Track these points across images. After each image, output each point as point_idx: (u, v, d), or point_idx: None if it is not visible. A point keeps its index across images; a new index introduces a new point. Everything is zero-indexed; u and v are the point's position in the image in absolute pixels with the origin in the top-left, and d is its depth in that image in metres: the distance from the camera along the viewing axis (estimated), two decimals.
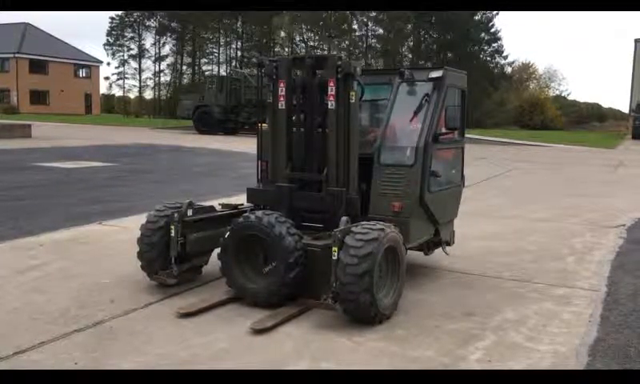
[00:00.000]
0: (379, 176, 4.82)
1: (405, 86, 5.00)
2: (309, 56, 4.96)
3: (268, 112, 5.02)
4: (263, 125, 5.34)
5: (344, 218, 4.29)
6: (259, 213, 4.52)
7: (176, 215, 4.70)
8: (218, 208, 5.40)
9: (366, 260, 3.96)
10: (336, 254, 4.06)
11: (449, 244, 5.63)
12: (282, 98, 4.83)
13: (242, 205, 5.48)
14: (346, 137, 4.66)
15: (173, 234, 4.69)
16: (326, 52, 50.24)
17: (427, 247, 5.41)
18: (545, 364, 3.64)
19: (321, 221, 4.80)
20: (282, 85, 4.82)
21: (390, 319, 4.24)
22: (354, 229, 4.15)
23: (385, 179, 4.80)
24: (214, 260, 5.25)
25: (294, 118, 4.90)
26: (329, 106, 4.67)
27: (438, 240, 5.40)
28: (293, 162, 4.90)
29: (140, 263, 4.85)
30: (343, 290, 3.98)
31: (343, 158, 4.68)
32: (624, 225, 8.22)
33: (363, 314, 4.06)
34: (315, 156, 4.83)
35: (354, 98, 4.65)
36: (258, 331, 3.99)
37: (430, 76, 4.92)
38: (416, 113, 4.87)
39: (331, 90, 4.62)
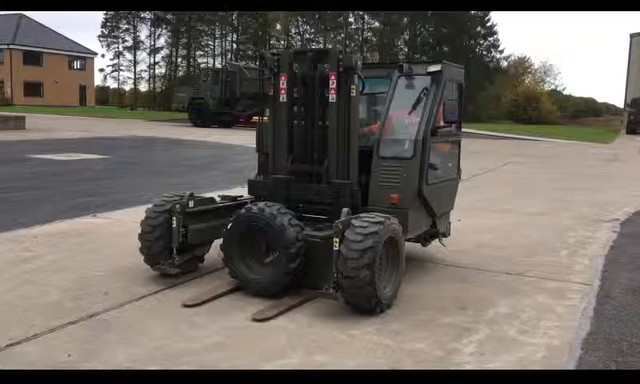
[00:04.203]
0: (378, 168, 4.84)
1: (404, 80, 5.02)
2: (310, 50, 4.97)
3: (269, 105, 5.03)
4: (263, 118, 5.35)
5: (345, 210, 4.35)
6: (261, 204, 4.55)
7: (177, 206, 4.74)
8: (218, 200, 5.43)
9: (370, 237, 4.04)
10: (337, 244, 4.09)
11: (445, 235, 5.68)
12: (283, 91, 4.85)
13: (242, 197, 5.52)
14: (346, 130, 4.69)
15: (174, 225, 4.73)
16: (321, 45, 50.13)
17: (424, 238, 5.48)
18: (538, 357, 3.65)
19: (321, 212, 4.82)
20: (283, 78, 4.84)
21: (384, 312, 4.25)
22: (360, 215, 4.25)
23: (384, 171, 4.82)
24: (208, 255, 5.27)
25: (294, 110, 4.91)
26: (330, 100, 4.68)
27: (435, 232, 5.45)
28: (293, 155, 4.92)
29: (140, 246, 4.85)
30: (345, 265, 4.01)
31: (344, 151, 4.71)
32: (618, 219, 8.25)
33: (362, 292, 4.06)
34: (316, 148, 4.85)
35: (354, 91, 4.66)
36: (260, 321, 4.03)
37: (428, 70, 4.94)
38: (415, 106, 4.90)
39: (332, 83, 4.64)
